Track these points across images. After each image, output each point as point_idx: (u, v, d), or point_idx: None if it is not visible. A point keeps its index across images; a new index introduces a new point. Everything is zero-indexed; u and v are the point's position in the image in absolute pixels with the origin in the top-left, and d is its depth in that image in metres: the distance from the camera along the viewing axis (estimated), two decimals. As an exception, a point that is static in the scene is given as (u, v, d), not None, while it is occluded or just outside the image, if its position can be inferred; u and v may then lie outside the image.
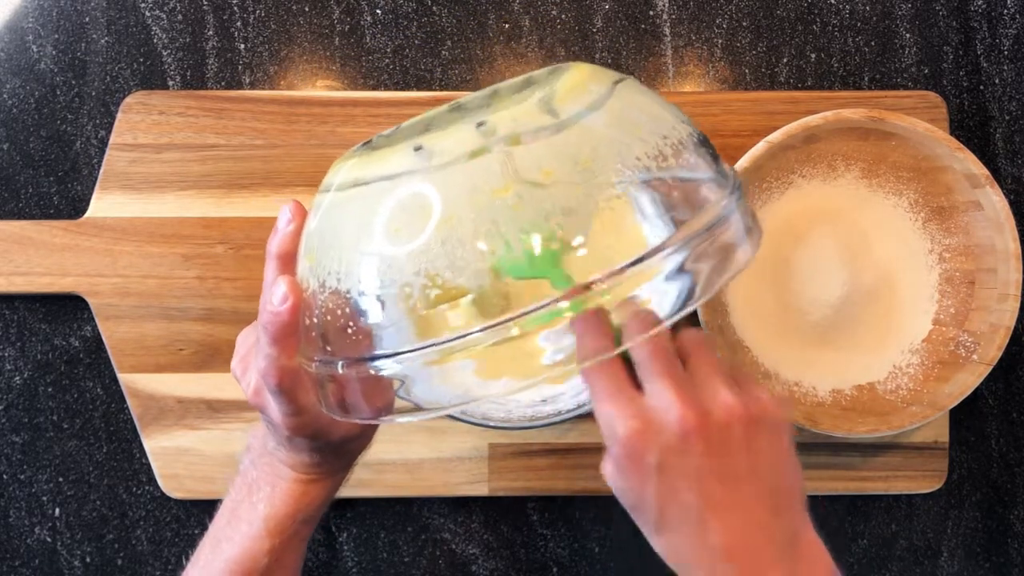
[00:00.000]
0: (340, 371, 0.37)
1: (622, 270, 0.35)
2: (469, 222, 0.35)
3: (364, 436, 0.47)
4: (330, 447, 0.45)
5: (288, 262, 0.42)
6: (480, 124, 0.37)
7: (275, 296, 0.39)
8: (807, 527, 0.41)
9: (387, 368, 0.36)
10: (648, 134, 0.38)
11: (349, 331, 0.37)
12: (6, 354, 0.62)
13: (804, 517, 0.41)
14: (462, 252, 0.35)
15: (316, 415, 0.43)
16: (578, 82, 0.39)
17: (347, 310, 0.37)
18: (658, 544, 0.40)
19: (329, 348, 0.38)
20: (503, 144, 0.36)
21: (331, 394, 0.39)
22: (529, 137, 0.36)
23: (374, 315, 0.36)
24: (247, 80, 0.63)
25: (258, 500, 0.46)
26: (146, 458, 0.61)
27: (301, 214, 0.42)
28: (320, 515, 0.48)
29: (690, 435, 0.38)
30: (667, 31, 0.64)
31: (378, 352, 0.36)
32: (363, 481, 0.61)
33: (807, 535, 0.40)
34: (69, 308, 0.62)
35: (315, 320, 0.38)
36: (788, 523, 0.40)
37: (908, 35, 0.64)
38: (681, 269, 0.36)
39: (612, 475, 0.40)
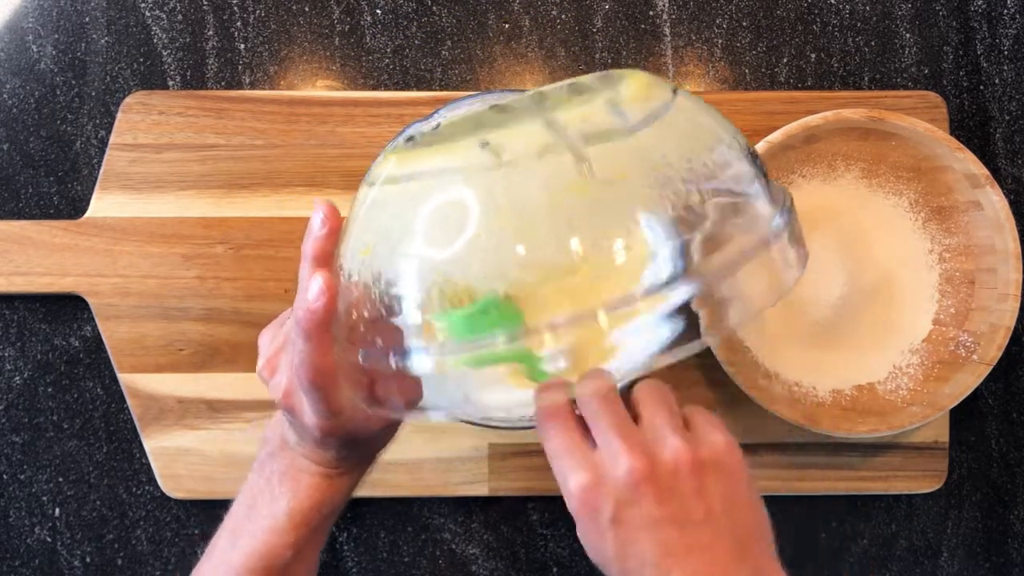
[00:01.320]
0: (393, 365, 0.36)
1: (658, 288, 0.34)
2: (545, 220, 0.35)
3: (389, 431, 0.47)
4: (357, 444, 0.45)
5: (324, 263, 0.42)
6: (549, 122, 0.36)
7: (311, 291, 0.39)
8: (774, 568, 0.39)
9: (431, 362, 0.36)
10: (711, 144, 0.38)
11: (409, 323, 0.36)
12: (6, 354, 0.62)
13: (771, 559, 0.40)
14: (536, 251, 0.35)
15: (350, 417, 0.42)
16: (642, 87, 0.39)
17: (404, 304, 0.36)
18: None
19: (380, 341, 0.37)
20: (578, 143, 0.35)
21: (374, 388, 0.38)
22: (602, 137, 0.36)
23: (438, 310, 0.36)
24: (247, 80, 0.63)
25: (280, 494, 0.46)
26: (146, 458, 0.61)
27: (335, 217, 0.42)
28: (342, 507, 0.48)
29: (639, 484, 0.37)
30: (667, 31, 0.64)
31: (434, 345, 0.36)
32: (363, 481, 0.61)
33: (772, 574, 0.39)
34: (69, 308, 0.62)
35: (365, 313, 0.38)
36: (753, 566, 0.38)
37: (908, 35, 0.64)
38: (724, 291, 0.36)
39: (579, 534, 0.40)
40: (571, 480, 0.38)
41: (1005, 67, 0.64)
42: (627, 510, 0.38)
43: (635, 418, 0.40)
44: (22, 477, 0.62)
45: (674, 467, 0.38)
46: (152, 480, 0.61)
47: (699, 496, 0.38)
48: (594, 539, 0.39)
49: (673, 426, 0.39)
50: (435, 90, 0.63)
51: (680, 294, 0.35)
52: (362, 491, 0.61)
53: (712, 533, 0.38)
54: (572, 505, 0.39)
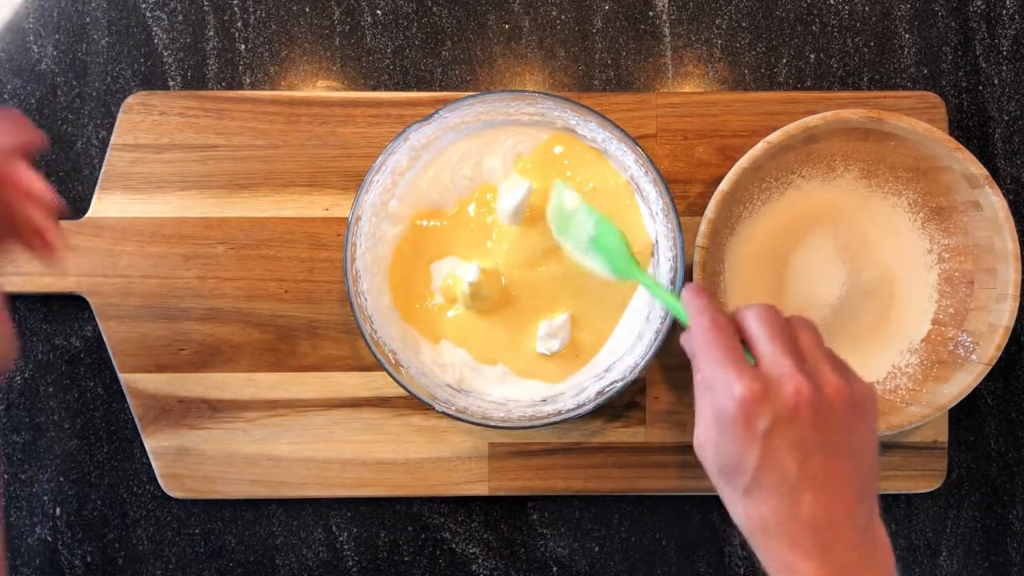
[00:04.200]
0: None
1: None
2: None
3: None
4: None
5: None
6: None
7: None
8: (878, 518, 0.43)
9: None
10: None
11: None
12: (7, 354, 0.63)
13: (877, 508, 0.43)
14: None
15: None
16: None
17: None
18: (742, 506, 0.42)
19: None
20: None
21: None
22: None
23: None
24: (248, 80, 0.63)
25: None
26: (147, 458, 0.61)
27: None
28: None
29: (800, 407, 0.41)
30: (667, 31, 0.64)
31: None
32: (363, 481, 0.61)
33: (879, 525, 0.43)
34: (70, 308, 0.62)
35: None
36: (869, 509, 0.42)
37: (907, 36, 0.64)
38: None
39: (711, 435, 0.43)
40: (738, 387, 0.41)
41: (1004, 67, 0.64)
42: (783, 426, 0.41)
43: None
44: (23, 476, 0.63)
45: (832, 401, 0.42)
46: (153, 480, 0.62)
47: (847, 432, 0.42)
48: (740, 446, 0.41)
49: (832, 365, 0.43)
50: (435, 90, 0.63)
51: None
52: (362, 491, 0.61)
53: (850, 467, 0.42)
54: (728, 408, 0.41)
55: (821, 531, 0.40)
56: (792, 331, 0.44)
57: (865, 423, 0.43)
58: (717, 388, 0.42)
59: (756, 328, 0.44)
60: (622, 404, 0.61)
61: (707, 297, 0.46)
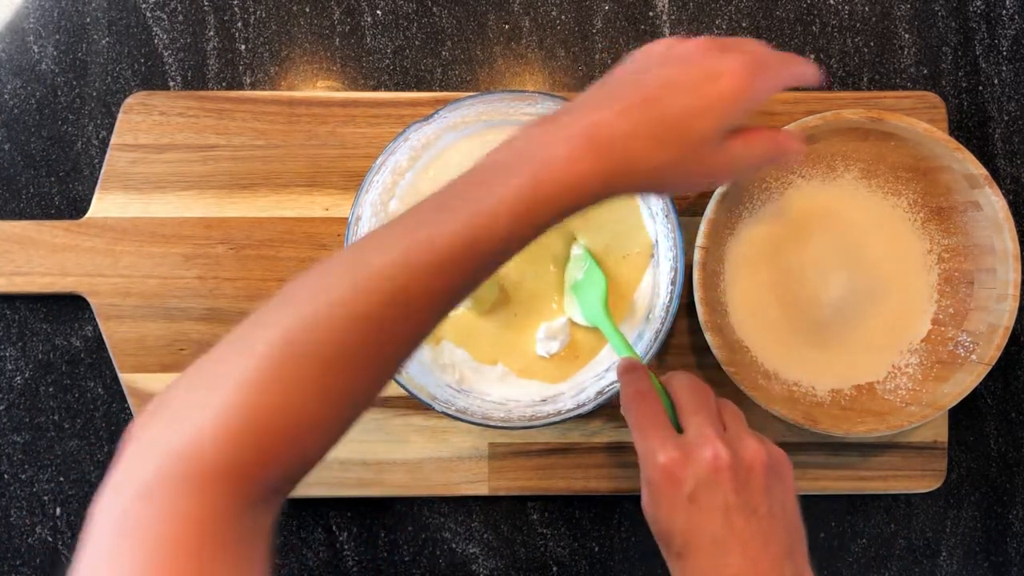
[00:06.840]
0: None
1: None
2: None
3: None
4: None
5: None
6: None
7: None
8: (810, 573, 0.45)
9: None
10: None
11: None
12: (7, 354, 0.63)
13: (808, 563, 0.45)
14: None
15: None
16: None
17: None
18: (677, 568, 0.45)
19: None
20: None
21: None
22: None
23: None
24: (248, 81, 0.63)
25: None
26: (147, 458, 0.61)
27: None
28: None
29: (721, 471, 0.43)
30: (667, 32, 0.64)
31: None
32: (363, 481, 0.61)
33: None
34: (70, 308, 0.62)
35: None
36: (796, 567, 0.44)
37: (907, 36, 0.64)
38: None
39: (646, 504, 0.46)
40: (661, 454, 0.44)
41: (1004, 67, 0.64)
42: (706, 490, 0.43)
43: None
44: (23, 477, 0.63)
45: (750, 465, 0.44)
46: (153, 480, 0.61)
47: (766, 494, 0.44)
48: (667, 509, 0.44)
49: (750, 433, 0.46)
50: (435, 90, 0.63)
51: None
52: (362, 491, 0.61)
53: (771, 527, 0.44)
54: (654, 476, 0.44)
55: None
56: (718, 406, 0.47)
57: (784, 486, 0.45)
58: (644, 457, 0.45)
59: (683, 397, 0.47)
60: (622, 404, 0.61)
61: (637, 369, 0.49)
